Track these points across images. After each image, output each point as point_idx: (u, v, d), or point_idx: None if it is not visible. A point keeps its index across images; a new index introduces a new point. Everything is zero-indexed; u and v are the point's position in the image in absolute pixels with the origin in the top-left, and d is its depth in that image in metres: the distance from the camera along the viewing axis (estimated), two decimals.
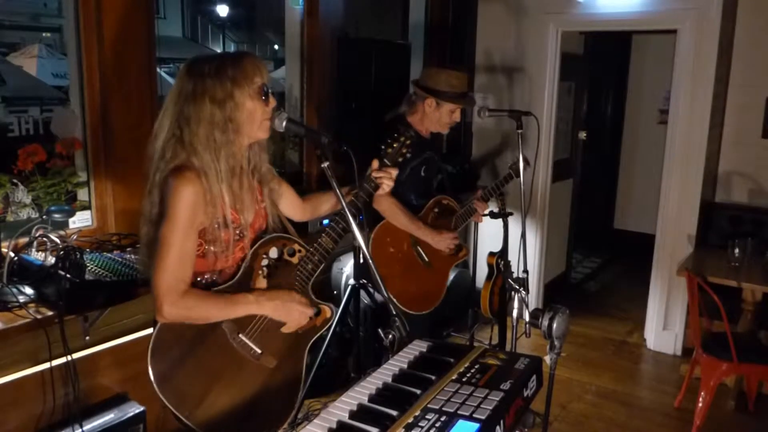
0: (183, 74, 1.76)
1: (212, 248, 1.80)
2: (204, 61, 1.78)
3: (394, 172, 2.06)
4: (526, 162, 3.24)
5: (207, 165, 1.72)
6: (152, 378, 1.71)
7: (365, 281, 3.17)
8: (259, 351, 1.87)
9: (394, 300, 1.90)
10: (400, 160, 2.09)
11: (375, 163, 2.06)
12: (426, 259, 3.05)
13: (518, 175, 3.22)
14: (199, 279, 1.83)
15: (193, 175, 1.70)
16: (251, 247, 1.89)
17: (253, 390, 1.87)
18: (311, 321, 1.98)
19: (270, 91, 1.81)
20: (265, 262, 1.91)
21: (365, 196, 2.03)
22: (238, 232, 1.83)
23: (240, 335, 1.85)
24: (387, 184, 2.05)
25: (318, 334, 2.02)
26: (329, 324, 2.05)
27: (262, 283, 1.90)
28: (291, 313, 1.89)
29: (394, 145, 2.06)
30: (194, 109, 1.72)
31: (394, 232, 2.96)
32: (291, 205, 2.13)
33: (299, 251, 1.97)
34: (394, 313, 1.84)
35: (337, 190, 1.82)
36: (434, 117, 3.02)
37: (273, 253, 1.92)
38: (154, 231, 1.75)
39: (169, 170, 1.71)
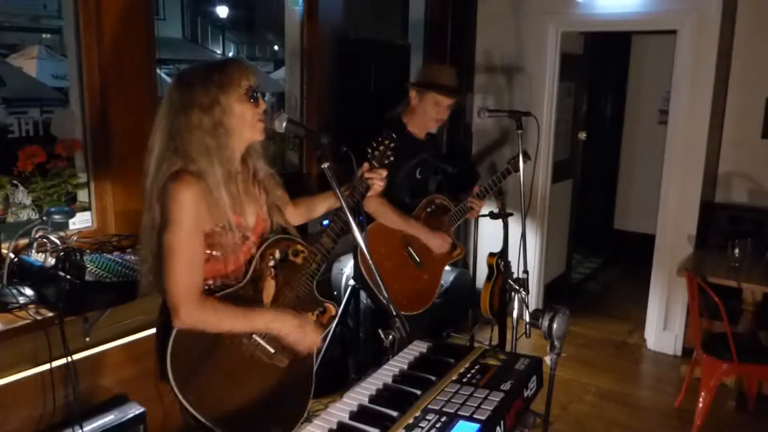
0: (171, 87, 1.79)
1: (216, 252, 1.80)
2: (190, 71, 1.81)
3: (384, 173, 2.10)
4: (527, 156, 3.22)
5: (204, 170, 1.73)
6: (173, 381, 1.70)
7: (358, 286, 3.16)
8: (272, 350, 1.89)
9: (391, 301, 1.90)
10: (386, 162, 2.12)
11: (365, 166, 2.09)
12: (417, 259, 3.03)
13: (517, 170, 3.19)
14: (206, 285, 1.82)
15: (192, 178, 1.70)
16: (258, 248, 1.90)
17: (267, 389, 1.89)
18: (318, 320, 2.02)
19: (259, 93, 1.82)
20: (272, 263, 1.92)
21: (359, 197, 2.05)
22: (241, 235, 1.83)
23: (254, 335, 1.86)
24: (378, 185, 2.08)
25: (325, 332, 2.05)
26: (333, 321, 2.09)
27: (270, 284, 1.91)
28: (306, 335, 1.90)
29: (380, 148, 2.10)
30: (185, 119, 1.73)
31: (385, 233, 2.94)
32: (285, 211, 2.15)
33: (302, 252, 1.99)
34: (395, 313, 1.85)
35: (338, 191, 1.85)
36: (420, 111, 2.99)
37: (278, 254, 1.94)
38: (157, 240, 1.75)
39: (168, 176, 1.71)
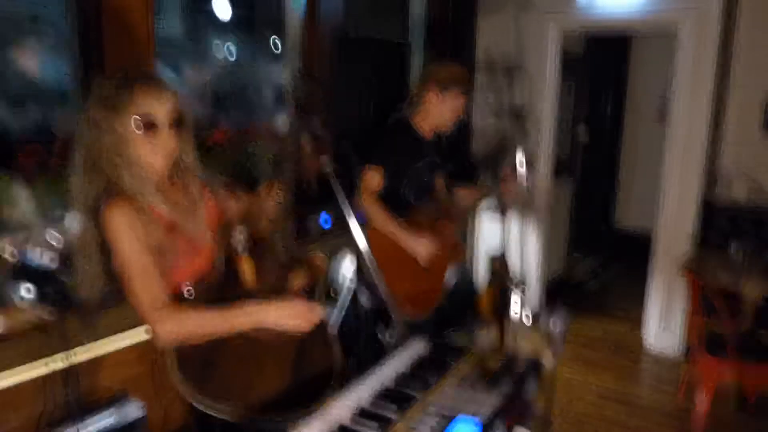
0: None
1: (167, 261, 1.74)
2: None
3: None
4: (530, 165, 3.21)
5: (127, 187, 1.68)
6: (186, 389, 1.65)
7: (354, 286, 3.14)
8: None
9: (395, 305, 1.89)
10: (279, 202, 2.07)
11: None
12: None
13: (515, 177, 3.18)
14: (186, 290, 1.78)
15: (120, 199, 1.67)
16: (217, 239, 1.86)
17: (288, 363, 1.83)
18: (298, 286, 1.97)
19: (154, 122, 1.69)
20: (237, 242, 1.87)
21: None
22: (188, 238, 1.78)
23: None
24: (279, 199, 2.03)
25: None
26: (326, 275, 2.05)
27: (248, 261, 1.86)
28: (297, 308, 1.79)
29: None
30: (93, 134, 1.69)
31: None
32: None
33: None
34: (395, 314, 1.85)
35: (338, 191, 1.84)
36: (437, 111, 2.96)
37: (241, 232, 1.88)
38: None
39: (96, 202, 1.68)
